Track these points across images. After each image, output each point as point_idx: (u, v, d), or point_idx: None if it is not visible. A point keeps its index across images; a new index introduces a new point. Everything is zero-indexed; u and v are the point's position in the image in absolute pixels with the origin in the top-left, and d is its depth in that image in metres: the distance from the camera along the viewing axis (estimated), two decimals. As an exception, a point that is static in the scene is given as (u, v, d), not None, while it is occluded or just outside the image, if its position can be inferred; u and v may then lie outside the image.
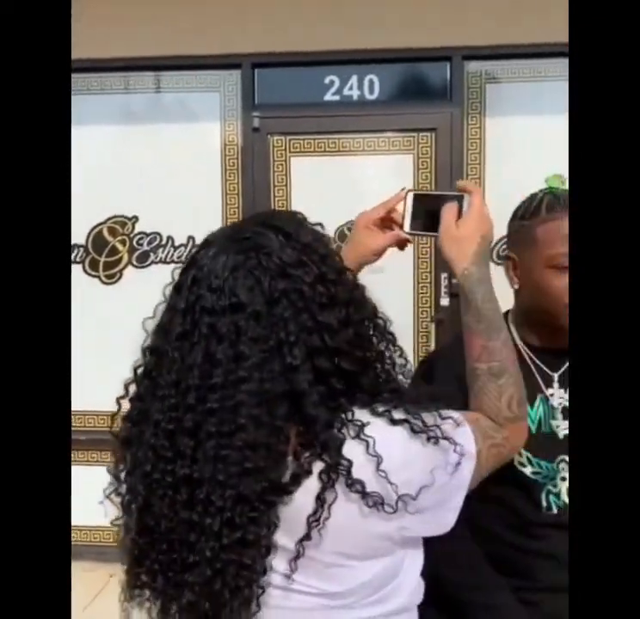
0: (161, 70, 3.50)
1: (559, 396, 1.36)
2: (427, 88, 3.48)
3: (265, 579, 0.93)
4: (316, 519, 0.88)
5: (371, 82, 3.48)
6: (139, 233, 3.58)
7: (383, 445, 0.90)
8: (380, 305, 1.01)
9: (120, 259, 3.61)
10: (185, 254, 3.54)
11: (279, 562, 0.94)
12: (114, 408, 1.02)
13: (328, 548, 0.92)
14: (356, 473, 0.88)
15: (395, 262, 3.47)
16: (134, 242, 3.59)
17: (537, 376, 1.38)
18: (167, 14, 3.35)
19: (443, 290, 3.44)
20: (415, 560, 1.04)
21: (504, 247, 3.59)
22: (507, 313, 1.45)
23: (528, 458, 1.35)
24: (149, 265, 3.59)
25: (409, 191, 1.20)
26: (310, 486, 0.89)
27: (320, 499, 0.88)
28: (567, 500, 1.36)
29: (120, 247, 3.61)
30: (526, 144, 3.37)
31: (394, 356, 1.01)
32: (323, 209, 3.49)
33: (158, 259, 3.57)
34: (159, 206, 3.54)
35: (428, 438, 0.91)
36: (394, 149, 3.44)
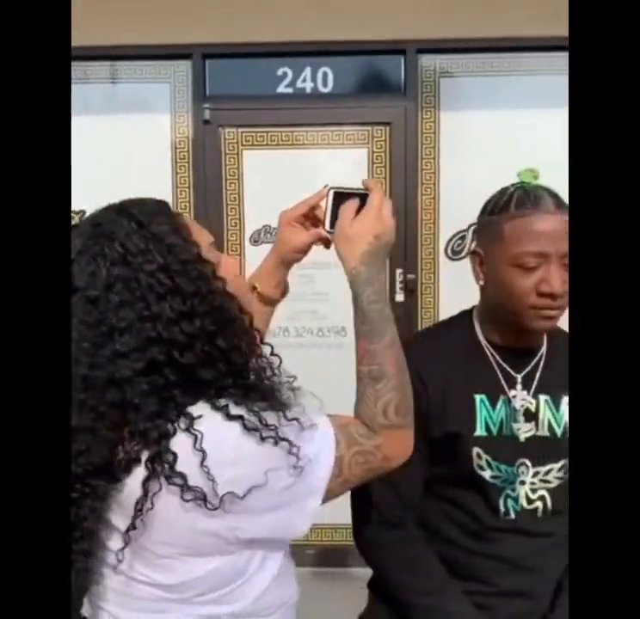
0: (114, 60, 3.39)
1: (522, 398, 1.33)
2: (382, 82, 3.44)
3: (98, 561, 0.95)
4: (139, 508, 0.89)
5: (324, 75, 3.42)
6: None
7: (212, 440, 0.89)
8: (243, 299, 1.01)
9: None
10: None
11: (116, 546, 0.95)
12: None
13: (156, 539, 0.92)
14: (180, 466, 0.88)
15: (349, 258, 3.45)
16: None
17: (500, 376, 1.34)
18: (120, 3, 3.24)
19: (398, 286, 3.40)
20: (267, 565, 1.02)
21: (459, 242, 3.59)
22: (472, 309, 1.42)
23: (488, 462, 1.31)
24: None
25: (331, 188, 1.17)
26: (139, 474, 0.89)
27: (144, 488, 0.89)
28: (525, 504, 1.33)
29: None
30: (481, 138, 3.35)
31: (265, 354, 1.01)
32: (275, 203, 3.41)
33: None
34: (107, 201, 3.43)
35: (263, 438, 0.90)
36: (348, 142, 3.39)
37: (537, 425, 1.33)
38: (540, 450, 1.33)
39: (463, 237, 3.42)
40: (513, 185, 1.31)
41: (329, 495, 0.98)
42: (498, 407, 1.32)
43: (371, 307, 1.05)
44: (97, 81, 3.42)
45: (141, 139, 3.42)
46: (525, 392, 1.33)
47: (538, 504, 1.33)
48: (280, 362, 1.04)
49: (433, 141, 3.40)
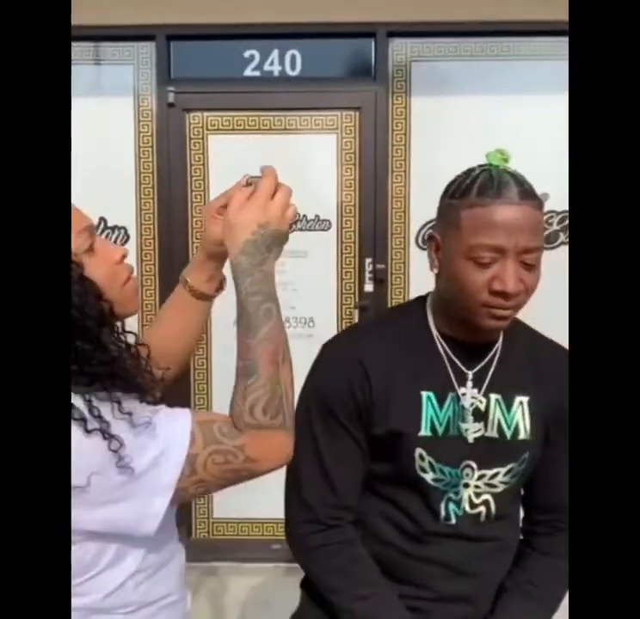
0: (77, 41, 3.27)
1: (472, 396, 1.23)
2: (351, 66, 3.34)
3: None
4: None
5: (293, 58, 3.32)
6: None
7: None
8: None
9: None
10: (101, 236, 3.33)
11: None
12: None
13: None
14: None
15: (318, 247, 3.37)
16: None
17: (450, 372, 1.24)
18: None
19: (368, 275, 3.32)
20: (124, 561, 0.98)
21: (430, 231, 3.50)
22: (427, 296, 1.32)
23: (430, 464, 1.22)
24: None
25: (249, 177, 1.12)
26: None
27: None
28: (468, 508, 1.24)
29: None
30: (454, 125, 3.26)
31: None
32: (242, 190, 3.36)
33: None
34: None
35: (88, 430, 0.86)
36: (317, 127, 3.30)
37: (486, 426, 1.24)
38: (488, 452, 1.24)
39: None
40: (480, 166, 1.20)
41: (184, 494, 0.95)
42: (446, 405, 1.23)
43: (248, 299, 1.01)
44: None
45: (103, 123, 3.31)
46: (475, 390, 1.24)
47: (482, 508, 1.25)
48: (149, 352, 1.01)
49: (403, 127, 3.31)
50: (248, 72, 3.33)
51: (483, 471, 1.24)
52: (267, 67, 3.33)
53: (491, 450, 1.24)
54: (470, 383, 1.24)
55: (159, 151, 3.32)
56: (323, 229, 3.32)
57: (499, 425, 1.24)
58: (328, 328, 3.26)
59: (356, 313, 3.33)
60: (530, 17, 3.13)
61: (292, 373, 1.03)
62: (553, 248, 3.30)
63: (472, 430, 1.23)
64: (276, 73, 3.33)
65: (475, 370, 1.25)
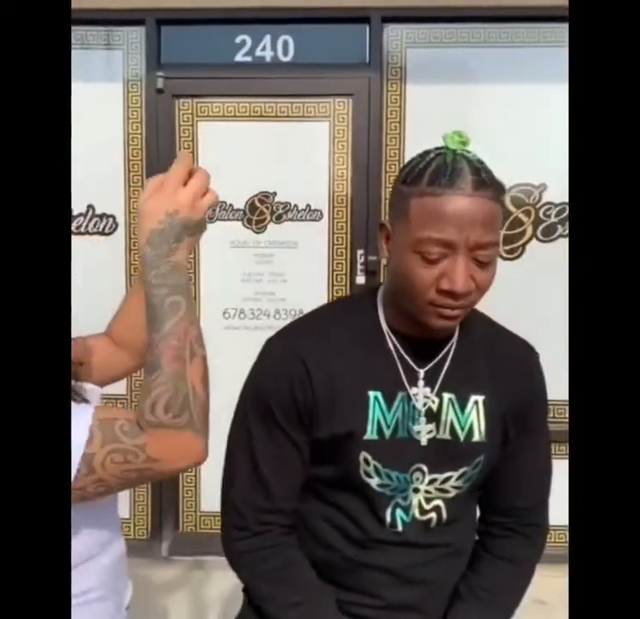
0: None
1: (424, 395, 1.15)
2: (345, 52, 3.25)
3: None
4: None
5: (285, 44, 3.25)
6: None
7: None
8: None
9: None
10: (89, 224, 3.29)
11: None
12: None
13: None
14: None
15: (309, 238, 3.30)
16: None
17: (400, 370, 1.15)
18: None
19: (359, 267, 3.25)
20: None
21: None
22: (379, 287, 1.23)
23: (376, 468, 1.14)
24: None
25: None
26: None
27: None
28: (417, 514, 1.17)
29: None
30: (449, 113, 3.17)
31: None
32: (232, 178, 3.31)
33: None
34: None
35: None
36: (308, 115, 3.22)
37: (438, 427, 1.16)
38: (439, 455, 1.16)
39: (429, 217, 3.25)
40: (436, 149, 1.09)
41: (83, 494, 0.91)
42: (395, 405, 1.15)
43: (153, 292, 0.96)
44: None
45: (91, 109, 3.24)
46: (427, 389, 1.16)
47: (432, 515, 1.17)
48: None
49: (398, 115, 3.23)
50: (239, 58, 3.26)
51: (434, 475, 1.16)
52: (258, 52, 3.25)
53: (443, 453, 1.16)
54: (421, 382, 1.16)
55: (148, 138, 3.25)
56: (314, 220, 3.25)
57: (451, 426, 1.16)
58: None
59: (347, 305, 3.25)
60: (529, 3, 3.04)
61: (206, 369, 0.98)
62: (550, 240, 3.22)
63: (424, 431, 1.15)
64: (268, 59, 3.26)
65: (427, 367, 1.16)
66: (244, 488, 1.16)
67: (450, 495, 1.17)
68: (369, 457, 1.13)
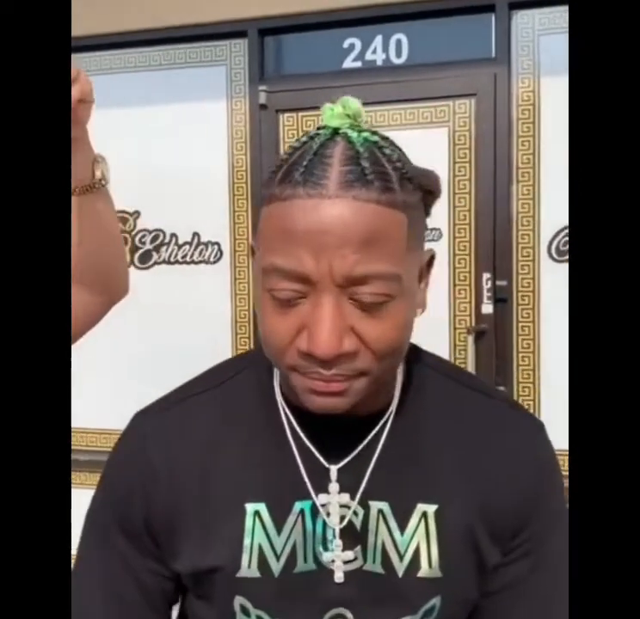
0: (152, 45, 3.07)
1: (340, 505, 0.74)
2: (466, 47, 2.82)
3: None
4: None
5: (398, 43, 2.89)
6: (142, 230, 3.16)
7: None
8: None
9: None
10: (194, 252, 3.10)
11: None
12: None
13: None
14: None
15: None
16: (137, 240, 3.18)
17: (301, 468, 0.74)
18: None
19: (486, 294, 2.80)
20: None
21: (566, 239, 2.89)
22: None
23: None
24: (156, 263, 3.17)
25: None
26: None
27: None
28: None
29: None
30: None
31: None
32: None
33: (162, 259, 3.15)
34: (160, 199, 3.11)
35: None
36: (424, 121, 2.83)
37: (364, 554, 0.74)
38: (366, 597, 0.74)
39: (572, 233, 2.75)
40: (318, 129, 0.69)
41: None
42: (290, 523, 0.74)
43: None
44: (146, 69, 3.11)
45: (197, 129, 3.06)
46: (345, 495, 0.74)
47: None
48: None
49: (531, 115, 2.75)
50: (347, 64, 2.94)
51: None
52: (369, 56, 2.92)
53: (372, 595, 0.74)
54: (335, 486, 0.73)
55: (252, 156, 3.01)
56: (432, 240, 2.84)
57: (385, 552, 0.74)
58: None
59: (471, 340, 2.80)
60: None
61: None
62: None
63: (340, 561, 0.73)
64: (379, 62, 2.91)
65: (343, 462, 0.74)
66: None
67: None
68: (249, 605, 0.73)
